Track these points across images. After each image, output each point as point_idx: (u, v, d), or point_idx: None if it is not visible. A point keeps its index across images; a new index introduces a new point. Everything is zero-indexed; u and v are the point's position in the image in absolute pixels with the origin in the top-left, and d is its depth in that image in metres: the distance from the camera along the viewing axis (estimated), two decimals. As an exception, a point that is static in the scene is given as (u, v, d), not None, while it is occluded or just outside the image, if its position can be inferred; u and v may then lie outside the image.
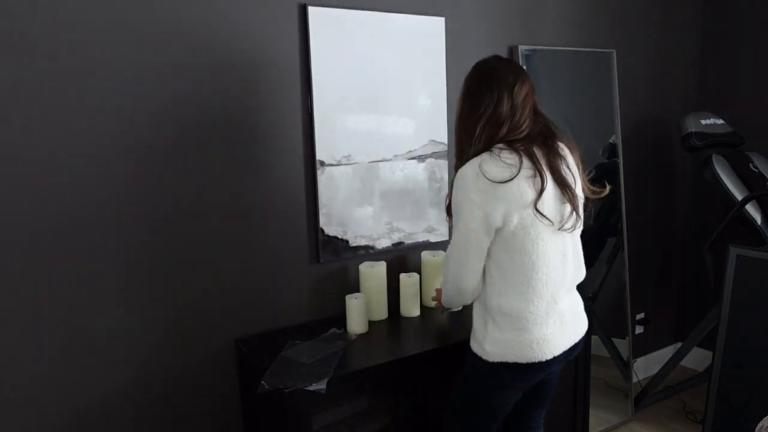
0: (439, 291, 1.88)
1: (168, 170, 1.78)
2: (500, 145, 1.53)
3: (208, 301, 1.90)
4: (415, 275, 2.16)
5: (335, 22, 2.01)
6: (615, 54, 2.80)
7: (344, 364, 1.76)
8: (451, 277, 1.61)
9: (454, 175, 1.58)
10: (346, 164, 2.08)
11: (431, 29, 2.24)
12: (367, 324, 2.01)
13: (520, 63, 2.48)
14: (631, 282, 2.91)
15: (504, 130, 1.53)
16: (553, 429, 2.25)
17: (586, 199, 1.65)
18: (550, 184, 1.53)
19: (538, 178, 1.49)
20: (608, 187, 1.68)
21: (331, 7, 1.99)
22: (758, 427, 1.75)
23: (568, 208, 1.57)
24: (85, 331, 1.71)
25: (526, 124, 1.56)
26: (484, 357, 1.59)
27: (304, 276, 2.08)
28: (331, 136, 2.04)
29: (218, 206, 1.88)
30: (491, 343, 1.58)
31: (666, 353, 3.33)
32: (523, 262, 1.53)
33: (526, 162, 1.50)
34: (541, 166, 1.51)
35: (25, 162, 1.58)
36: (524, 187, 1.48)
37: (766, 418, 1.79)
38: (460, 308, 2.11)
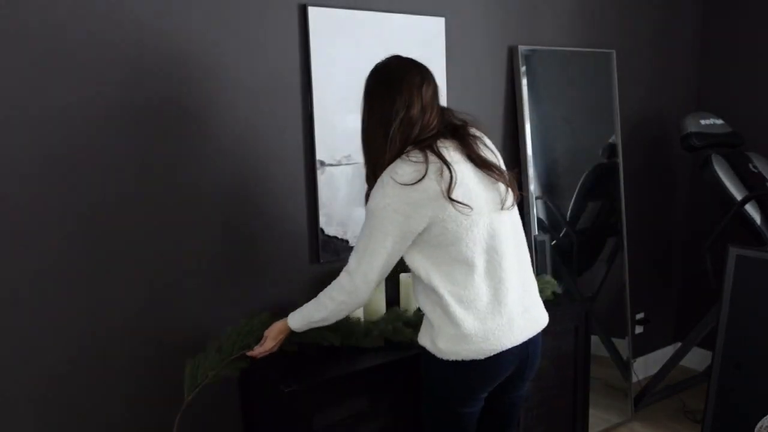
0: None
1: (167, 170, 1.79)
2: (409, 147, 1.50)
3: (207, 299, 1.90)
4: (415, 275, 2.16)
5: (335, 22, 2.01)
6: (615, 54, 2.80)
7: (344, 363, 1.77)
8: (353, 280, 1.53)
9: (368, 188, 1.56)
10: (346, 164, 2.08)
11: (431, 29, 2.24)
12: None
13: (520, 63, 2.49)
14: (631, 282, 2.91)
15: (416, 131, 1.50)
16: (553, 429, 2.25)
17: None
18: (469, 171, 1.51)
19: (447, 171, 1.46)
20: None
21: (331, 7, 1.99)
22: (758, 427, 1.76)
23: (501, 186, 1.55)
24: (84, 331, 1.71)
25: (436, 121, 1.54)
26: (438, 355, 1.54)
27: (304, 276, 2.08)
28: (331, 136, 2.04)
29: (217, 205, 1.88)
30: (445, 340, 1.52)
31: (666, 353, 3.33)
32: (460, 252, 1.49)
33: (431, 158, 1.47)
34: (447, 158, 1.47)
35: None
36: (434, 184, 1.45)
37: (765, 418, 1.79)
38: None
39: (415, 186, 1.45)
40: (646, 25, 2.99)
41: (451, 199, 1.45)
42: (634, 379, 3.00)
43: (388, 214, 1.46)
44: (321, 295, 1.62)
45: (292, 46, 1.95)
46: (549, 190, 2.64)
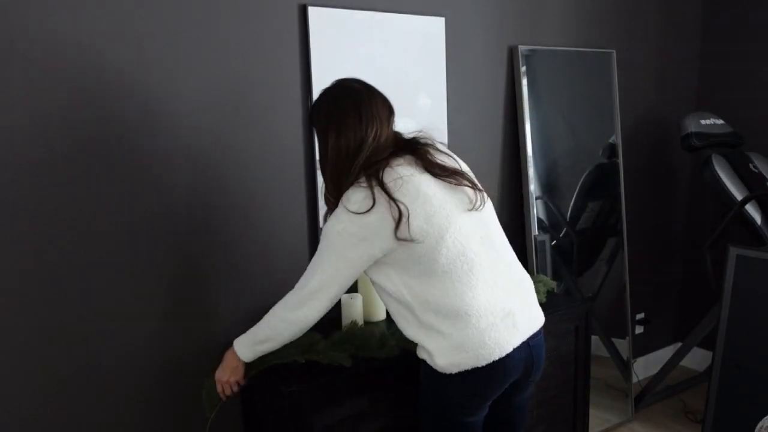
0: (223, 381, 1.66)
1: (167, 170, 1.79)
2: (361, 172, 1.48)
3: (207, 299, 1.90)
4: (415, 275, 2.15)
5: (335, 22, 2.01)
6: (615, 54, 2.80)
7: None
8: (303, 296, 1.49)
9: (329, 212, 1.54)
10: (346, 164, 2.08)
11: (431, 29, 2.24)
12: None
13: (520, 63, 2.48)
14: (631, 282, 2.91)
15: (375, 157, 1.47)
16: (553, 429, 2.25)
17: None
18: (428, 179, 1.48)
19: (394, 206, 1.42)
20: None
21: (331, 7, 1.99)
22: (758, 427, 1.76)
23: (467, 189, 1.52)
24: (85, 334, 1.71)
25: (389, 140, 1.51)
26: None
27: (304, 276, 2.07)
28: (331, 136, 2.04)
29: (218, 205, 1.88)
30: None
31: (666, 353, 3.33)
32: (436, 261, 1.46)
33: (376, 188, 1.44)
34: (393, 187, 1.43)
35: None
36: (387, 213, 1.43)
37: (766, 418, 1.79)
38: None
39: (368, 213, 1.42)
40: (646, 25, 2.99)
41: (398, 239, 1.42)
42: (635, 380, 3.00)
43: (344, 238, 1.44)
44: (266, 315, 1.59)
45: (292, 46, 1.95)
46: (549, 190, 2.64)
